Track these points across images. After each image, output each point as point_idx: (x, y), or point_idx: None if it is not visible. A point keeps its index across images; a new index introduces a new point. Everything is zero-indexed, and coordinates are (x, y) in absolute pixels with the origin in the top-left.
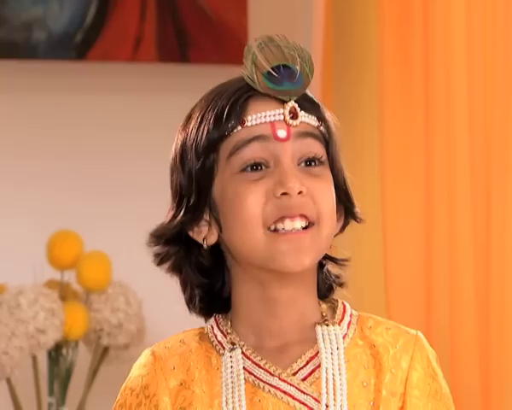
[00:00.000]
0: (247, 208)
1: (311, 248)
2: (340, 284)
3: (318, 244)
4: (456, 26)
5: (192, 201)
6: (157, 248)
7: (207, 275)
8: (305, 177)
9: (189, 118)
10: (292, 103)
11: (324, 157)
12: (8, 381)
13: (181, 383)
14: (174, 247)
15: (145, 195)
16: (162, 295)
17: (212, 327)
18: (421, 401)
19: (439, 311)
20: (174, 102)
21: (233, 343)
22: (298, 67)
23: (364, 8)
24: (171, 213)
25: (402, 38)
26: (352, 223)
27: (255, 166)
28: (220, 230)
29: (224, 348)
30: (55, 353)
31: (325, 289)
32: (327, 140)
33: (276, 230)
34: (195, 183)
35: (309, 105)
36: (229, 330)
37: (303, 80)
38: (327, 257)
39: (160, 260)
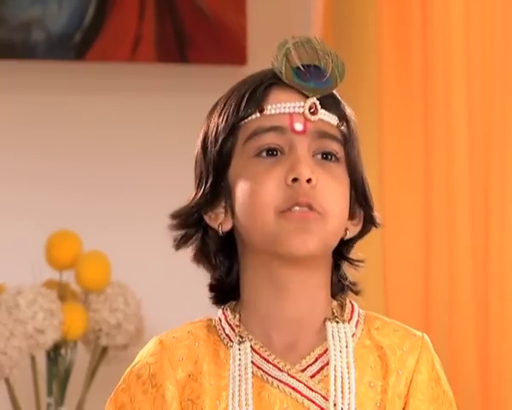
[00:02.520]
0: (260, 194)
1: (317, 233)
2: (356, 292)
3: (324, 234)
4: (454, 26)
5: (209, 183)
6: (176, 233)
7: (218, 263)
8: (318, 168)
9: (215, 106)
10: (313, 99)
11: (341, 155)
12: (7, 381)
13: (189, 375)
14: (192, 230)
15: (144, 195)
16: (161, 295)
17: (220, 320)
18: (424, 405)
19: (438, 311)
20: (173, 102)
21: (241, 337)
22: (329, 71)
23: (363, 9)
24: (192, 196)
25: (401, 38)
26: None
27: (271, 152)
28: (233, 215)
29: (231, 341)
30: (54, 353)
31: (337, 290)
32: (346, 140)
33: (285, 213)
34: (213, 166)
35: (332, 104)
36: (237, 324)
37: (331, 83)
38: (342, 257)
39: (178, 243)
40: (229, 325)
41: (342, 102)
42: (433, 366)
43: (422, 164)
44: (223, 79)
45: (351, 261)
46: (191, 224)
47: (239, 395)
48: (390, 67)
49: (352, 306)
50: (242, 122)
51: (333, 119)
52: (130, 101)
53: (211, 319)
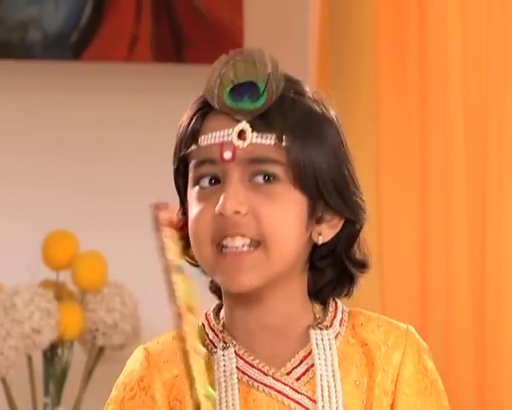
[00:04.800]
0: (197, 227)
1: (253, 269)
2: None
3: (265, 266)
4: (451, 25)
5: (179, 204)
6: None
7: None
8: (253, 194)
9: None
10: (242, 125)
11: (282, 175)
12: (4, 381)
13: (175, 376)
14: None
15: (141, 195)
16: (157, 295)
17: (204, 326)
18: (411, 399)
19: (435, 310)
20: (169, 102)
21: (225, 342)
22: (264, 85)
23: (360, 9)
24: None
25: (397, 38)
26: None
27: (212, 180)
28: None
29: (215, 346)
30: (51, 353)
31: (315, 290)
32: (290, 155)
33: (222, 247)
34: (177, 189)
35: (270, 120)
36: (220, 329)
37: (266, 99)
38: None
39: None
40: (213, 330)
41: (291, 104)
42: (419, 358)
43: (419, 164)
44: None
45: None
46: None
47: (226, 401)
48: (387, 67)
49: (336, 303)
50: (185, 153)
51: (268, 138)
52: (127, 101)
53: None
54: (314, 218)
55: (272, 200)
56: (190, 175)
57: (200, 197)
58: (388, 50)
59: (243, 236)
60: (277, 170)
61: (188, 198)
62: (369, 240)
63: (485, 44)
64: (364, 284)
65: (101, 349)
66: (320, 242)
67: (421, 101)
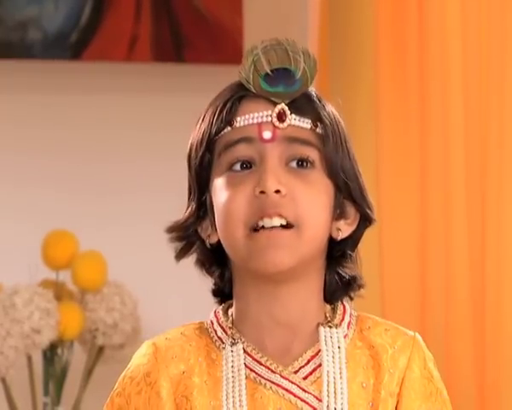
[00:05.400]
0: (231, 209)
1: (288, 247)
2: (360, 286)
3: (297, 248)
4: (451, 25)
5: (196, 197)
6: (174, 244)
7: (213, 271)
8: (290, 177)
9: (198, 118)
10: (282, 106)
11: (317, 161)
12: (4, 381)
13: (183, 372)
14: (188, 242)
15: (141, 195)
16: (157, 294)
17: (212, 323)
18: (415, 403)
19: (435, 310)
20: (169, 102)
21: (234, 339)
22: (299, 71)
23: (360, 9)
24: (185, 209)
25: (397, 38)
26: None
27: (244, 164)
28: (216, 229)
29: (223, 343)
30: (51, 353)
31: (336, 290)
32: (324, 141)
33: (256, 230)
34: (196, 181)
35: (305, 106)
36: (229, 326)
37: (301, 84)
38: (338, 257)
39: (177, 255)
40: (222, 327)
41: (319, 101)
42: (425, 363)
43: (419, 164)
44: (219, 79)
45: (346, 262)
46: (186, 236)
47: (233, 396)
48: (387, 67)
49: (344, 307)
50: (216, 137)
51: (305, 122)
52: (127, 101)
53: (202, 322)
54: (338, 209)
55: (308, 185)
56: (219, 161)
57: (232, 182)
58: (388, 50)
59: (281, 216)
60: (313, 154)
61: (212, 188)
62: (369, 240)
63: (485, 44)
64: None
65: (100, 349)
66: (339, 237)
67: (421, 101)
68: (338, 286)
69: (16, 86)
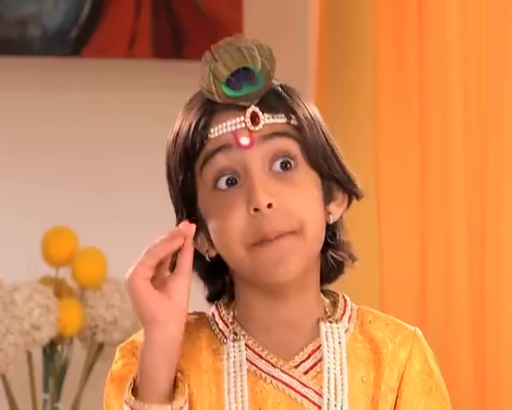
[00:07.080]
0: (227, 231)
1: (296, 254)
2: (353, 260)
3: (303, 250)
4: (451, 25)
5: (184, 217)
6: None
7: (210, 280)
8: (277, 184)
9: (171, 132)
10: (252, 108)
11: (298, 155)
12: (3, 377)
13: (183, 355)
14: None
15: (140, 191)
16: None
17: (214, 315)
18: (415, 397)
19: (434, 309)
20: (169, 99)
21: (236, 334)
22: (258, 66)
23: (359, 9)
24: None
25: (397, 38)
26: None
27: (229, 181)
28: (212, 245)
29: (225, 337)
30: (50, 349)
31: (326, 274)
32: (300, 131)
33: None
34: (181, 199)
35: (274, 103)
36: (231, 320)
37: (264, 78)
38: (331, 241)
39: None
40: (223, 321)
41: (287, 93)
42: (425, 359)
43: (418, 163)
44: None
45: (337, 243)
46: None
47: (234, 390)
48: (386, 67)
49: (345, 301)
50: (194, 154)
51: (279, 117)
52: (127, 97)
53: (203, 313)
54: (327, 196)
55: (297, 187)
56: (202, 177)
57: (222, 203)
58: (388, 50)
59: (280, 231)
60: (293, 148)
61: (201, 206)
62: (370, 240)
63: (485, 44)
64: (364, 282)
65: (100, 346)
66: (331, 221)
67: (421, 100)
68: (333, 267)
69: (16, 83)
